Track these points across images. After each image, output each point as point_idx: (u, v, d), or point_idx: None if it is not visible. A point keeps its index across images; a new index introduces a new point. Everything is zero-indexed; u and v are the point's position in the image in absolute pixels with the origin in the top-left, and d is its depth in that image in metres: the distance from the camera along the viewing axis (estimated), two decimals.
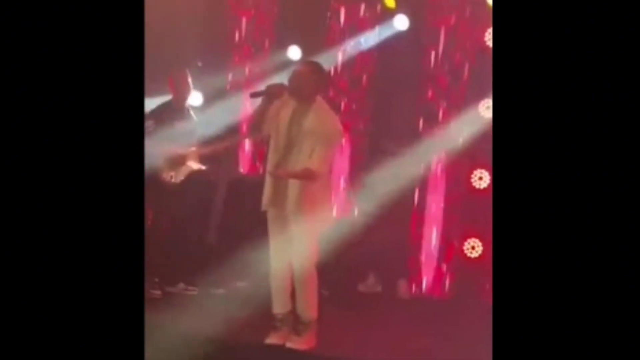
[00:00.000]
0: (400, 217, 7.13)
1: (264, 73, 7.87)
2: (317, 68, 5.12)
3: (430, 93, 7.39)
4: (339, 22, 7.87)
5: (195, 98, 7.41)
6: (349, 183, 7.60)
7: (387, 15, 7.67)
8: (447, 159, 7.27)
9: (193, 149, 6.65)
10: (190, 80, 6.71)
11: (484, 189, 7.05)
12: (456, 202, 7.28)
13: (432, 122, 7.33)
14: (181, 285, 6.53)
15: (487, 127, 6.62)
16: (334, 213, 5.39)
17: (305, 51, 7.65)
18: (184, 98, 6.73)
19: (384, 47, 7.74)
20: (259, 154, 7.94)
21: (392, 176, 7.06)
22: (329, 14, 7.91)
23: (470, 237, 7.17)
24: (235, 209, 7.23)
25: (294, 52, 7.88)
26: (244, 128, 7.42)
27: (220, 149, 6.80)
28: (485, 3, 6.91)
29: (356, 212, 7.33)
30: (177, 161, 6.57)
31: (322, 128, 4.90)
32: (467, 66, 7.24)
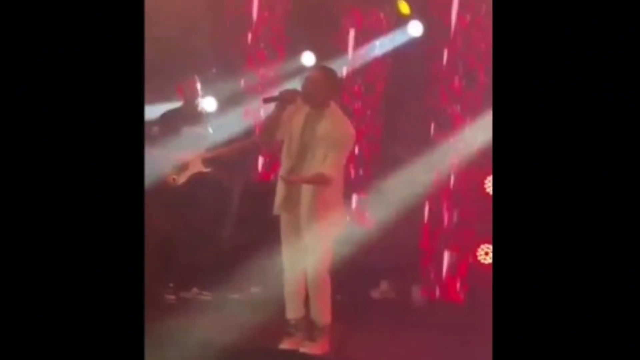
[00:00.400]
0: (413, 223, 7.12)
1: (278, 78, 7.90)
2: (331, 73, 5.13)
3: (444, 98, 7.38)
4: (353, 28, 7.89)
5: (208, 103, 7.43)
6: (362, 190, 7.60)
7: (401, 21, 7.68)
8: (461, 164, 7.26)
9: (198, 152, 6.66)
10: (199, 86, 6.73)
11: None
12: (469, 207, 7.27)
13: (446, 127, 7.33)
14: (195, 290, 6.54)
15: None
16: (348, 218, 5.37)
17: (319, 57, 7.66)
18: (194, 104, 6.74)
19: (397, 53, 7.75)
20: (273, 159, 7.97)
21: (405, 182, 7.06)
22: (342, 19, 7.93)
23: (483, 243, 7.15)
24: (250, 214, 7.23)
25: (308, 58, 7.90)
26: (257, 133, 7.40)
27: (226, 152, 6.81)
28: None
29: (366, 219, 7.33)
30: (180, 164, 6.59)
31: (334, 133, 4.91)
32: (482, 70, 7.22)
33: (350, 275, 6.58)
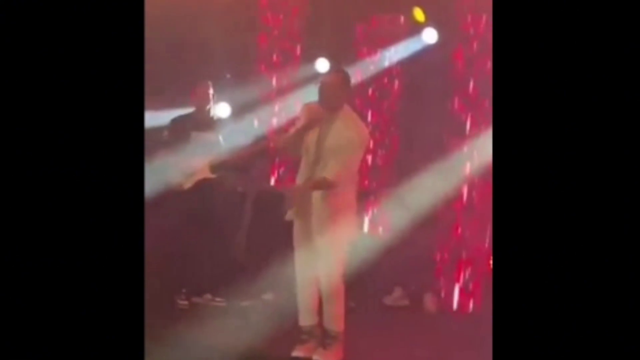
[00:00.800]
0: (427, 230, 7.10)
1: (292, 85, 7.91)
2: (346, 77, 5.11)
3: (459, 105, 7.36)
4: (368, 35, 7.90)
5: (222, 109, 7.44)
6: (376, 197, 7.59)
7: (416, 28, 7.68)
8: (476, 172, 7.22)
9: (211, 159, 6.67)
10: (211, 91, 6.73)
11: None
12: (484, 215, 7.24)
13: (461, 135, 7.30)
14: (208, 296, 6.54)
15: None
16: (365, 224, 5.36)
17: (334, 63, 7.67)
18: (206, 109, 6.75)
19: (412, 60, 7.75)
20: (288, 166, 8.00)
21: (419, 190, 7.04)
22: (357, 25, 7.94)
23: None
24: (263, 220, 7.23)
25: (322, 65, 7.90)
26: (272, 143, 7.36)
27: (235, 159, 6.81)
28: None
29: (382, 227, 7.32)
30: (191, 170, 6.60)
31: (345, 135, 4.90)
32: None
33: (364, 282, 6.56)
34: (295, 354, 5.05)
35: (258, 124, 7.82)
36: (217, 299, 6.54)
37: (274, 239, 6.29)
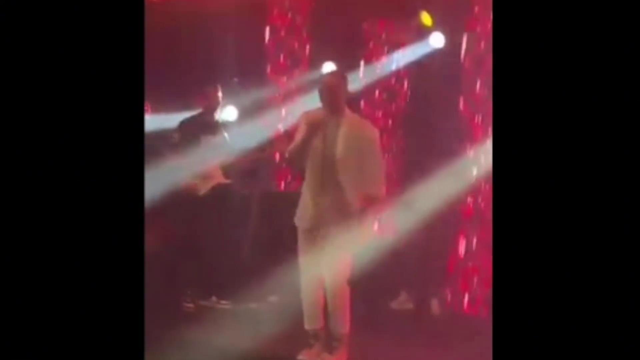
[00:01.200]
0: (434, 234, 7.08)
1: (300, 88, 7.92)
2: (345, 77, 5.12)
3: (467, 108, 7.35)
4: (375, 39, 7.91)
5: (229, 112, 7.46)
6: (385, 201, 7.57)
7: (423, 32, 7.68)
8: (484, 176, 7.21)
9: (220, 162, 6.68)
10: (220, 94, 6.74)
11: None
12: (490, 219, 7.22)
13: (467, 137, 7.29)
14: (214, 298, 6.55)
15: None
16: (370, 228, 5.35)
17: (340, 67, 7.66)
18: (214, 112, 6.76)
19: (419, 64, 7.75)
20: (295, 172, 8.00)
21: (426, 194, 7.03)
22: (364, 29, 7.95)
23: None
24: (269, 223, 7.24)
25: (329, 69, 7.90)
26: (279, 152, 7.31)
27: (245, 162, 6.83)
28: None
29: (388, 231, 7.29)
30: (202, 174, 6.61)
31: (364, 134, 4.95)
32: None
33: (370, 286, 6.55)
34: (301, 357, 5.04)
35: (265, 127, 7.82)
36: (223, 302, 6.55)
37: (280, 242, 6.30)
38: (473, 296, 7.16)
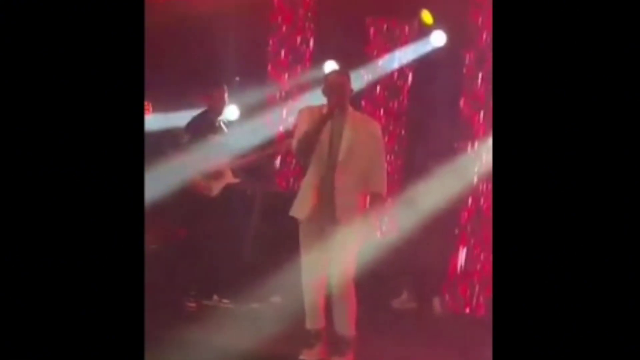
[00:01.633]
0: (436, 233, 7.08)
1: (300, 87, 7.93)
2: (349, 75, 5.12)
3: (467, 106, 7.35)
4: (376, 38, 7.92)
5: (231, 112, 7.46)
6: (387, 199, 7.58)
7: (424, 31, 7.68)
8: (484, 174, 7.21)
9: (228, 161, 6.69)
10: (226, 95, 6.75)
11: None
12: (490, 218, 7.21)
13: (469, 136, 7.29)
14: (215, 298, 6.55)
15: None
16: (374, 226, 5.34)
17: (343, 64, 7.67)
18: (220, 112, 6.77)
19: (420, 63, 7.76)
20: (293, 167, 8.02)
21: (428, 193, 7.03)
22: (366, 28, 7.95)
23: None
24: (271, 223, 7.24)
25: (330, 68, 7.90)
26: (283, 147, 7.29)
27: (253, 161, 6.83)
28: None
29: (390, 228, 7.30)
30: (213, 175, 6.61)
31: (368, 131, 4.97)
32: None
33: (372, 285, 6.55)
34: (302, 357, 5.03)
35: (268, 126, 7.83)
36: (225, 301, 6.55)
37: (282, 241, 6.30)
38: (474, 296, 7.16)
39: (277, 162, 7.72)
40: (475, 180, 7.25)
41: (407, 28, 7.88)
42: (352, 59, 7.50)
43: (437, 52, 7.67)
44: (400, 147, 7.88)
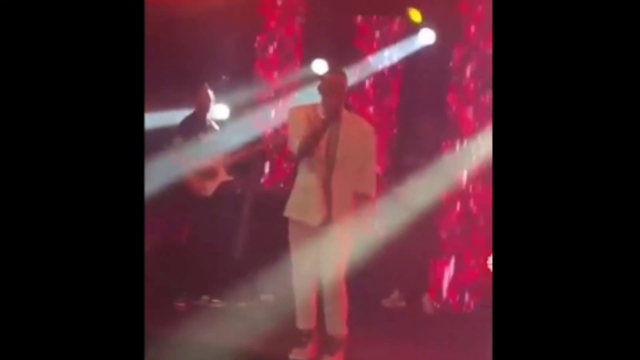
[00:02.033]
0: (424, 231, 7.09)
1: (290, 86, 7.93)
2: (345, 77, 5.08)
3: (456, 104, 7.35)
4: (366, 36, 7.92)
5: (220, 111, 7.45)
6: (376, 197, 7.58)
7: (413, 29, 7.70)
8: (473, 172, 7.23)
9: (220, 160, 6.68)
10: (210, 92, 6.74)
11: None
12: (481, 215, 7.24)
13: (459, 134, 7.30)
14: (206, 297, 6.53)
15: None
16: (365, 225, 5.34)
17: (331, 64, 7.67)
18: (207, 111, 6.76)
19: (409, 61, 7.77)
20: (280, 165, 8.02)
21: (417, 190, 7.04)
22: (355, 26, 7.96)
23: None
24: (261, 221, 7.23)
25: (320, 66, 7.93)
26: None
27: (245, 158, 6.82)
28: None
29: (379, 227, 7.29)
30: (208, 173, 6.60)
31: (363, 133, 4.97)
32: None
33: (362, 284, 6.55)
34: (293, 356, 5.02)
35: (256, 124, 7.83)
36: (215, 301, 6.53)
37: (273, 240, 6.29)
38: (464, 292, 7.17)
39: (268, 159, 7.74)
40: (464, 178, 7.25)
41: (395, 26, 7.89)
42: (341, 57, 7.51)
43: (425, 50, 7.68)
44: (389, 144, 7.88)
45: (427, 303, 7.16)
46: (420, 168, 7.19)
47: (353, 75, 7.69)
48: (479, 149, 7.16)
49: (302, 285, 5.03)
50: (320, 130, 4.80)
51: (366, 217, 5.11)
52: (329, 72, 5.28)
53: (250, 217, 7.43)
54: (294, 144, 4.90)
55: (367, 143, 5.01)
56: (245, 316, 6.17)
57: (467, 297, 7.19)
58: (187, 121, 6.71)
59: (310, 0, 8.21)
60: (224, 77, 7.86)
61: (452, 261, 7.25)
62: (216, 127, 6.81)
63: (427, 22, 7.64)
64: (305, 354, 5.03)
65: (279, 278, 5.55)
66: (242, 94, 7.83)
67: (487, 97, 7.18)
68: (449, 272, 7.25)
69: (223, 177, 6.65)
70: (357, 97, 7.87)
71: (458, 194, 7.29)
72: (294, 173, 5.16)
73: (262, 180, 8.16)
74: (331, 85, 4.90)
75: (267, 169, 8.23)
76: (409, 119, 7.81)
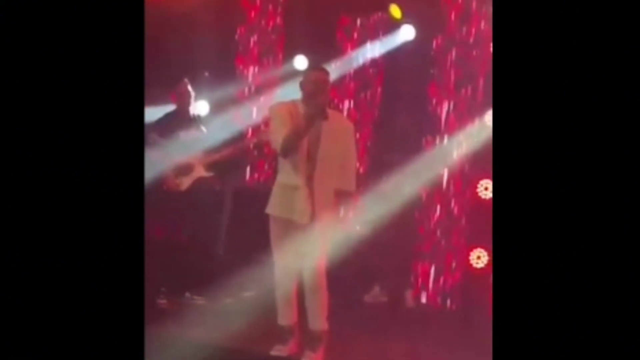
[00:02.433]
0: (406, 227, 7.11)
1: (270, 82, 7.92)
2: (328, 75, 5.06)
3: (436, 102, 7.36)
4: (347, 32, 7.93)
5: (201, 107, 7.44)
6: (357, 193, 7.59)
7: (393, 25, 7.71)
8: (454, 168, 7.25)
9: (199, 156, 6.67)
10: (190, 88, 6.73)
11: (490, 199, 7.03)
12: (462, 212, 7.27)
13: (438, 131, 7.31)
14: (187, 294, 6.52)
15: None
16: (343, 221, 5.35)
17: (312, 61, 7.68)
18: (187, 107, 6.75)
19: (390, 57, 7.78)
20: (260, 162, 8.01)
21: (397, 187, 7.05)
22: (336, 22, 7.96)
23: (475, 247, 7.15)
24: (242, 218, 7.22)
25: (300, 62, 7.93)
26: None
27: (225, 156, 6.81)
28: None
29: (359, 223, 7.31)
30: (184, 169, 6.59)
31: (343, 131, 4.98)
32: (479, 72, 7.19)
33: (343, 279, 6.56)
34: (274, 352, 5.03)
35: (238, 121, 7.81)
36: (196, 297, 6.52)
37: (254, 237, 6.28)
38: (445, 288, 7.20)
39: (248, 155, 7.72)
40: (445, 173, 7.27)
41: (376, 22, 7.90)
42: (321, 53, 7.51)
43: (407, 45, 7.69)
44: (369, 140, 7.89)
45: (410, 298, 7.17)
46: (403, 163, 7.20)
47: (334, 70, 7.70)
48: (459, 144, 7.18)
49: (284, 282, 5.03)
50: (305, 129, 4.78)
51: (347, 214, 5.12)
52: (311, 69, 5.20)
53: (231, 213, 7.42)
54: (277, 142, 4.86)
55: (348, 140, 5.03)
56: (227, 313, 6.16)
57: (448, 292, 7.21)
58: (165, 118, 6.69)
59: None
60: (206, 74, 7.83)
61: (434, 257, 7.27)
62: (200, 124, 6.80)
63: (408, 18, 7.65)
64: (286, 350, 5.04)
65: (260, 275, 5.55)
66: (223, 90, 7.81)
67: (469, 89, 7.21)
68: (430, 267, 7.26)
69: (200, 173, 6.64)
70: (337, 93, 7.87)
71: (440, 189, 7.31)
72: (275, 170, 5.15)
73: (242, 177, 8.14)
74: (317, 84, 4.86)
75: (247, 166, 8.22)
76: (389, 115, 7.82)
